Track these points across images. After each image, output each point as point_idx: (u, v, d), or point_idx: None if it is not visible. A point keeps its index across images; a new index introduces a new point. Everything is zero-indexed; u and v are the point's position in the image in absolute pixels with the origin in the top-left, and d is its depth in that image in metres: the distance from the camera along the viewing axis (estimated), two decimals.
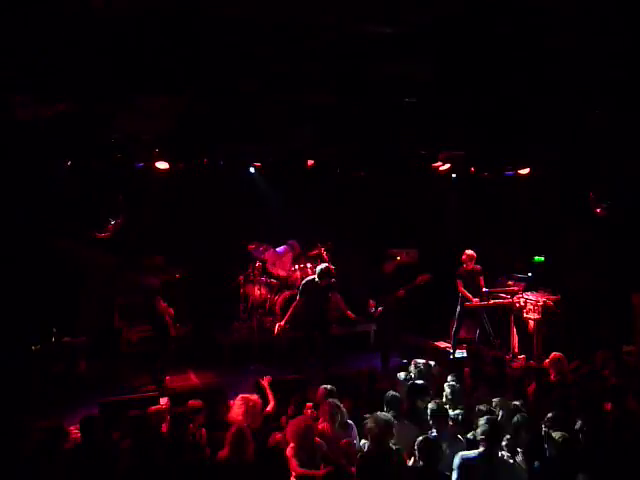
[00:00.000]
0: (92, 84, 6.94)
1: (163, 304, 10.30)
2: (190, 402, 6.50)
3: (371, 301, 10.90)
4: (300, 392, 7.46)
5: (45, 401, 8.80)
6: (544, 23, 5.92)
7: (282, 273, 12.66)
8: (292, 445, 5.59)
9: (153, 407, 6.77)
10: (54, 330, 10.20)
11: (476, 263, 11.40)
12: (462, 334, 11.67)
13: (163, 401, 7.53)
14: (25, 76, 6.63)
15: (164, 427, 6.30)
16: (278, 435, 6.09)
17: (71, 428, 6.34)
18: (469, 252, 11.39)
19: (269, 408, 6.81)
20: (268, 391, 7.09)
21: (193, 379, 10.42)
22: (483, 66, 7.15)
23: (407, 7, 5.62)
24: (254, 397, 6.47)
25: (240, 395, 6.55)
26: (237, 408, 6.32)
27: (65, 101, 7.42)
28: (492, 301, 11.44)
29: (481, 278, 11.42)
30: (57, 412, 8.06)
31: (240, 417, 6.17)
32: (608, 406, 6.68)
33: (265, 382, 7.23)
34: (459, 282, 11.33)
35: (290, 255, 12.85)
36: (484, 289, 11.42)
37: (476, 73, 7.38)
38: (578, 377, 7.62)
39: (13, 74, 6.54)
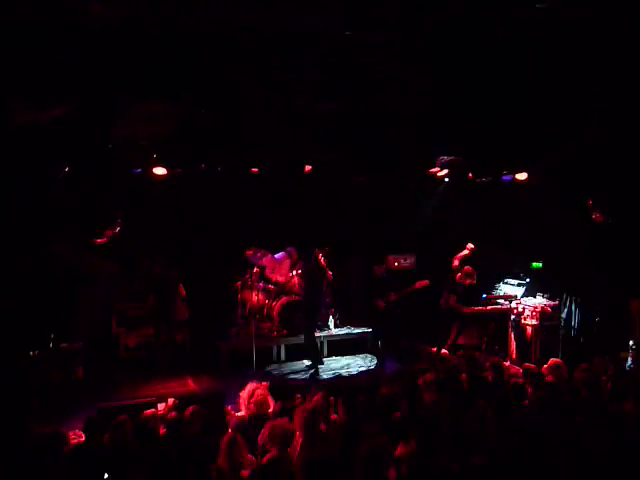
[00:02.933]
0: (90, 89, 6.93)
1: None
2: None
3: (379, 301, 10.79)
4: (292, 397, 7.43)
5: (43, 407, 8.76)
6: (544, 29, 5.94)
7: (280, 279, 12.67)
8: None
9: (148, 411, 6.77)
10: (52, 336, 10.18)
11: (475, 269, 11.50)
12: (460, 340, 11.66)
13: (161, 406, 7.50)
14: (23, 80, 6.63)
15: (161, 431, 6.30)
16: None
17: (69, 434, 6.32)
18: (470, 269, 11.46)
19: (270, 410, 6.83)
20: (268, 397, 7.09)
21: (191, 385, 10.38)
22: (482, 71, 7.18)
23: (407, 14, 5.65)
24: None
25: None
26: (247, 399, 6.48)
27: (63, 105, 7.42)
28: (490, 307, 11.47)
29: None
30: (55, 418, 8.02)
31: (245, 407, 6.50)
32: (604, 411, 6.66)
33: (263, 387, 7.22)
34: (453, 298, 11.39)
35: (288, 262, 12.85)
36: (482, 295, 11.50)
37: (475, 78, 7.40)
38: (578, 383, 7.58)
39: (11, 78, 6.53)
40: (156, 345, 11.11)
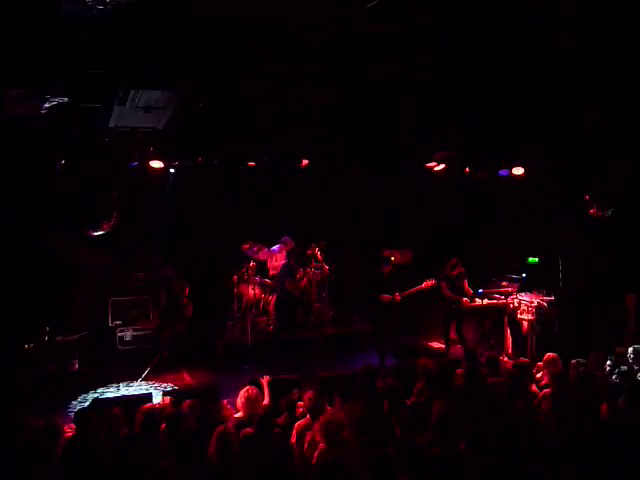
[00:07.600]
0: (86, 79, 6.87)
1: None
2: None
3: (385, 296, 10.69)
4: (290, 392, 7.41)
5: (38, 400, 8.73)
6: (541, 23, 5.92)
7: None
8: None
9: (146, 405, 6.75)
10: (47, 329, 10.16)
11: (471, 264, 11.48)
12: (454, 334, 11.65)
13: (156, 402, 7.48)
14: (17, 70, 6.56)
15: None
16: None
17: (64, 427, 6.29)
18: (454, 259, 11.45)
19: (264, 403, 6.81)
20: (266, 390, 7.09)
21: (187, 379, 10.38)
22: (479, 65, 7.15)
23: (405, 7, 5.61)
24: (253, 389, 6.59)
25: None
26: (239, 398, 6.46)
27: (59, 96, 7.36)
28: (486, 301, 11.47)
29: (465, 281, 11.47)
30: (50, 411, 8.00)
31: (240, 407, 6.42)
32: (604, 407, 6.66)
33: (264, 381, 7.22)
34: (443, 284, 11.30)
35: (284, 252, 12.82)
36: (478, 290, 11.49)
37: (472, 72, 7.37)
38: (574, 377, 7.59)
39: (5, 68, 6.46)
40: (159, 338, 11.35)
